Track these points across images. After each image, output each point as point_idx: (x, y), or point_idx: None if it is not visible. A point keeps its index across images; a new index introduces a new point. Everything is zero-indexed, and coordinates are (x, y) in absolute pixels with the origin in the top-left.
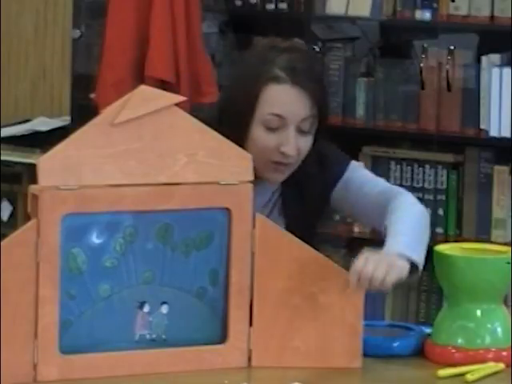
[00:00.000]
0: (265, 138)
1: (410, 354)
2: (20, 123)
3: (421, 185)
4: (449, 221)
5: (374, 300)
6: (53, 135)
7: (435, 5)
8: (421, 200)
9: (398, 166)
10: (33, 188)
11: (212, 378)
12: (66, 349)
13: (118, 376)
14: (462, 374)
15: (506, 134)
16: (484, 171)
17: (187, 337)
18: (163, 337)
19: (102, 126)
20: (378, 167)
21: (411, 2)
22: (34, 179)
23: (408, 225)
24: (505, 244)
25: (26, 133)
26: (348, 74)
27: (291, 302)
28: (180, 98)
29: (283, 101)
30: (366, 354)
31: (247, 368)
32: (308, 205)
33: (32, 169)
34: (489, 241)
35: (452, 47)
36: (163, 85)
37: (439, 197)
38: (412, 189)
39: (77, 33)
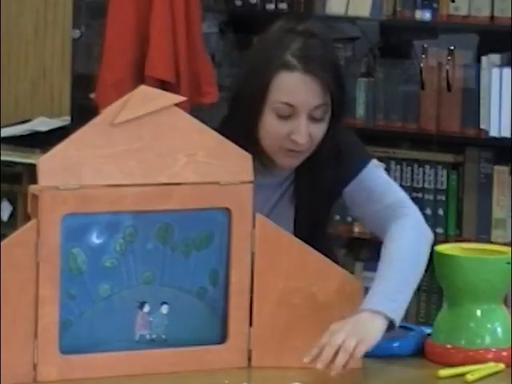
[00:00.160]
0: (276, 126)
1: (410, 353)
2: (20, 123)
3: (421, 185)
4: (449, 221)
5: None
6: (53, 135)
7: (435, 5)
8: (421, 200)
9: (398, 166)
10: (33, 188)
11: (212, 378)
12: (66, 349)
13: (118, 376)
14: (462, 374)
15: (506, 134)
16: (484, 171)
17: (187, 337)
18: (163, 337)
19: (102, 125)
20: None
21: (411, 2)
22: (33, 179)
23: (397, 265)
24: (505, 244)
25: (26, 133)
26: (348, 74)
27: (291, 302)
28: (180, 98)
29: (294, 89)
30: (365, 354)
31: (247, 368)
32: (319, 197)
33: (32, 169)
34: (489, 241)
35: (452, 47)
36: (163, 85)
37: (439, 197)
38: (412, 189)
39: (77, 33)
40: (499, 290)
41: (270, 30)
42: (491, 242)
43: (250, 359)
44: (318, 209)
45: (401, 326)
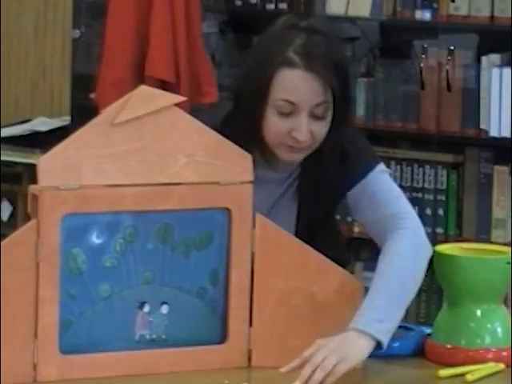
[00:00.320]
0: (277, 123)
1: (410, 353)
2: (20, 123)
3: (421, 185)
4: (449, 221)
5: None
6: (53, 135)
7: (435, 5)
8: (421, 200)
9: (398, 166)
10: (33, 188)
11: (212, 378)
12: (66, 349)
13: (118, 376)
14: (462, 374)
15: (506, 134)
16: (484, 171)
17: (187, 337)
18: (163, 337)
19: (102, 125)
20: None
21: (411, 2)
22: (33, 179)
23: (388, 283)
24: (505, 244)
25: (26, 133)
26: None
27: (291, 302)
28: (180, 98)
29: (295, 87)
30: None
31: (247, 368)
32: (322, 195)
33: (32, 169)
34: (489, 241)
35: (452, 47)
36: (163, 85)
37: (439, 197)
38: (412, 189)
39: (77, 33)
40: (499, 289)
41: (274, 26)
42: (491, 242)
43: (250, 359)
44: (321, 207)
45: (401, 326)
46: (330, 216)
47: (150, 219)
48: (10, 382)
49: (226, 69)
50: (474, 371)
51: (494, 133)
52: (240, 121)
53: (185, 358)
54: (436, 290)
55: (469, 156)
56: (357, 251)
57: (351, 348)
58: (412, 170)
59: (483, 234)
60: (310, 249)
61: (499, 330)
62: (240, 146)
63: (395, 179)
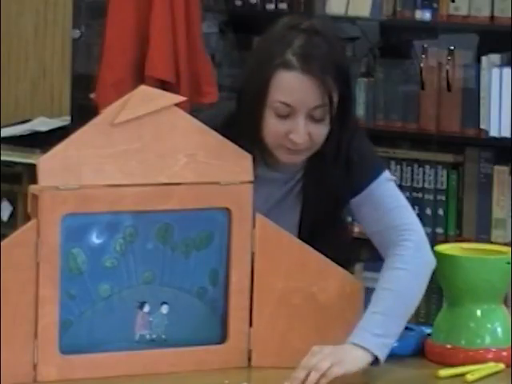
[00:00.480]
0: (275, 124)
1: (410, 354)
2: (20, 123)
3: (421, 185)
4: (449, 221)
5: None
6: (53, 135)
7: (435, 5)
8: (421, 200)
9: (398, 166)
10: (33, 188)
11: (212, 378)
12: (66, 349)
13: (118, 376)
14: (462, 374)
15: (506, 134)
16: (484, 171)
17: (187, 337)
18: (163, 337)
19: (102, 125)
20: None
21: (411, 2)
22: (34, 179)
23: (389, 298)
24: (505, 244)
25: (26, 133)
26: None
27: (291, 302)
28: (180, 98)
29: (292, 89)
30: None
31: (247, 368)
32: (326, 198)
33: (32, 169)
34: (489, 241)
35: (452, 47)
36: (163, 85)
37: (439, 197)
38: (412, 189)
39: (77, 33)
40: (499, 289)
41: (275, 27)
42: (491, 242)
43: (250, 359)
44: (325, 209)
45: None
46: (334, 218)
47: (150, 219)
48: (10, 382)
49: (226, 69)
50: (474, 371)
51: (493, 133)
52: (241, 121)
53: (185, 357)
54: (436, 290)
55: (469, 156)
56: (357, 251)
57: (346, 355)
58: (412, 170)
59: (483, 234)
60: (310, 249)
61: (499, 330)
62: (241, 146)
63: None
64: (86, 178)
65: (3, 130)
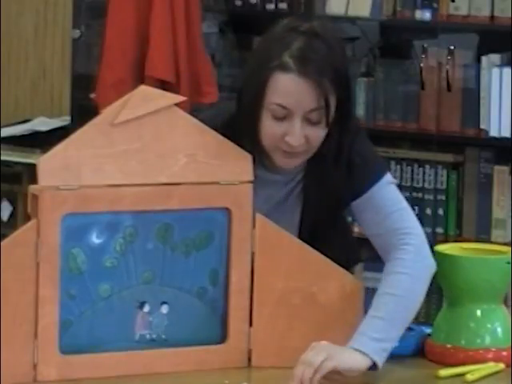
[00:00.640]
0: (272, 127)
1: (410, 354)
2: (20, 123)
3: (421, 185)
4: (449, 221)
5: None
6: (53, 135)
7: (435, 5)
8: (421, 200)
9: (398, 166)
10: (33, 188)
11: (212, 378)
12: (66, 349)
13: (118, 376)
14: (462, 374)
15: (506, 134)
16: (484, 171)
17: (187, 337)
18: (163, 337)
19: (102, 125)
20: None
21: (411, 2)
22: (33, 179)
23: (389, 304)
24: (505, 244)
25: (26, 133)
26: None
27: (291, 302)
28: (180, 98)
29: (288, 91)
30: None
31: (247, 368)
32: (326, 200)
33: (32, 169)
34: (489, 241)
35: (452, 47)
36: (163, 85)
37: (439, 197)
38: (412, 189)
39: (77, 33)
40: (499, 289)
41: (275, 28)
42: (491, 242)
43: (249, 359)
44: (325, 211)
45: None
46: (335, 219)
47: (150, 219)
48: (10, 382)
49: (226, 69)
50: (474, 371)
51: (493, 133)
52: (240, 122)
53: (185, 357)
54: (436, 290)
55: (469, 156)
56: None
57: (343, 353)
58: (412, 170)
59: (483, 234)
60: (310, 249)
61: (499, 330)
62: (241, 147)
63: (395, 179)
64: (86, 178)
65: (3, 129)
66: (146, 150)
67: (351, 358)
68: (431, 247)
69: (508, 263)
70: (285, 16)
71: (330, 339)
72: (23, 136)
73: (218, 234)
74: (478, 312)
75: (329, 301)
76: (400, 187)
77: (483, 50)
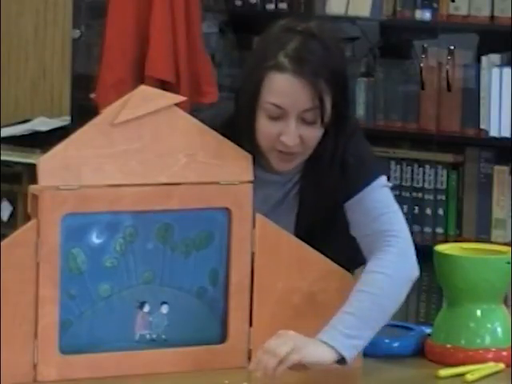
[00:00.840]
0: (267, 126)
1: (410, 353)
2: (20, 123)
3: (421, 185)
4: (449, 221)
5: None
6: (53, 135)
7: (435, 5)
8: (421, 200)
9: (398, 166)
10: (33, 188)
11: (212, 377)
12: (66, 349)
13: (117, 376)
14: (462, 374)
15: (506, 134)
16: (484, 171)
17: (187, 337)
18: (163, 337)
19: (102, 125)
20: None
21: (411, 2)
22: (33, 179)
23: (364, 301)
24: (505, 244)
25: (26, 133)
26: (348, 74)
27: (291, 302)
28: (180, 98)
29: (283, 91)
30: (365, 354)
31: (247, 368)
32: (322, 201)
33: (32, 169)
34: (489, 241)
35: (452, 47)
36: (163, 85)
37: (439, 197)
38: (412, 189)
39: (77, 33)
40: (499, 289)
41: (273, 28)
42: (491, 242)
43: (249, 359)
44: (321, 212)
45: (401, 326)
46: (332, 220)
47: (150, 219)
48: (10, 382)
49: (226, 69)
50: (474, 371)
51: (494, 133)
52: (238, 122)
53: (185, 357)
54: (436, 290)
55: (469, 156)
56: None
57: (309, 345)
58: (412, 170)
59: (483, 234)
60: (310, 249)
61: (499, 330)
62: (241, 147)
63: (395, 179)
64: (86, 178)
65: (3, 129)
66: (146, 150)
67: (318, 351)
68: (431, 247)
69: (508, 263)
70: (285, 16)
71: None
72: (23, 136)
73: (218, 234)
74: (478, 312)
75: (329, 301)
76: (400, 187)
77: (483, 49)
